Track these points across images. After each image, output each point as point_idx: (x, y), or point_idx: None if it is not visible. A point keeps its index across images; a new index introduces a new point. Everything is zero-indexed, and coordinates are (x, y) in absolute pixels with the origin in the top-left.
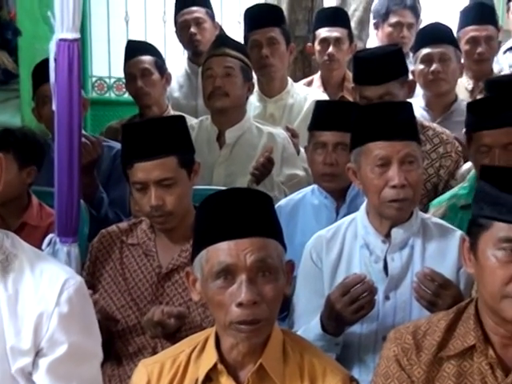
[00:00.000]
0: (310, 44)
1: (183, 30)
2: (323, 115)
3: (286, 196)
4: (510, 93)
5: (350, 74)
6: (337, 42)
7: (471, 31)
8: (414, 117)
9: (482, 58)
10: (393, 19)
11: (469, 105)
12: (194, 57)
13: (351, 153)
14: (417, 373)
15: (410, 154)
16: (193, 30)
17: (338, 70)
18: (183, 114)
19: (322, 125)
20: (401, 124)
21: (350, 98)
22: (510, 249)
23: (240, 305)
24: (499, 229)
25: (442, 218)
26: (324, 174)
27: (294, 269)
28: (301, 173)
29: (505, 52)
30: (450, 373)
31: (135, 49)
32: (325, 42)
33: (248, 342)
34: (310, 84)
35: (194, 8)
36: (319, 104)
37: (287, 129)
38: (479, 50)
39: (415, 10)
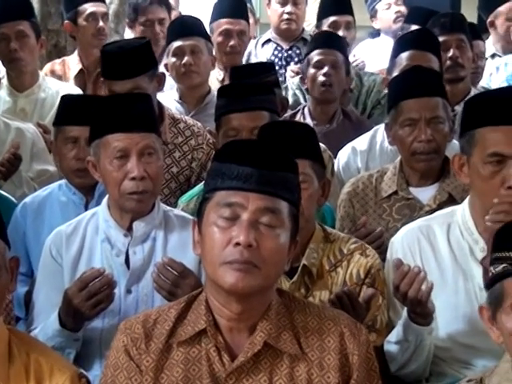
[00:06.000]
0: (66, 21)
1: None
2: (71, 110)
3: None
4: (251, 78)
5: None
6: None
7: (225, 24)
8: (152, 108)
9: (234, 50)
10: (142, 18)
11: (219, 90)
12: None
13: (90, 146)
14: (145, 361)
15: (149, 145)
16: None
17: None
18: None
19: (72, 119)
20: (139, 116)
21: None
22: (228, 215)
23: None
24: (220, 197)
25: (194, 212)
26: (78, 169)
27: (20, 265)
28: (52, 168)
29: (263, 45)
30: (179, 360)
31: None
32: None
33: None
34: (56, 66)
35: None
36: (65, 98)
37: (38, 125)
38: (232, 43)
39: (165, 4)
